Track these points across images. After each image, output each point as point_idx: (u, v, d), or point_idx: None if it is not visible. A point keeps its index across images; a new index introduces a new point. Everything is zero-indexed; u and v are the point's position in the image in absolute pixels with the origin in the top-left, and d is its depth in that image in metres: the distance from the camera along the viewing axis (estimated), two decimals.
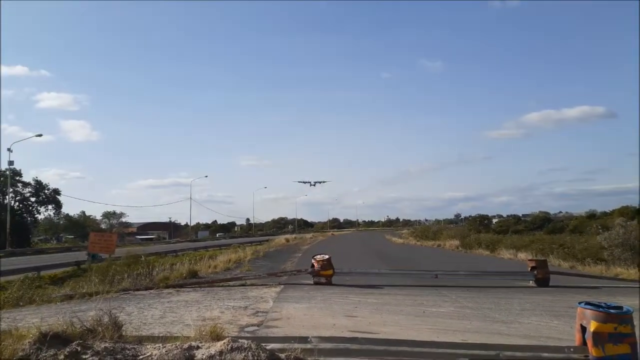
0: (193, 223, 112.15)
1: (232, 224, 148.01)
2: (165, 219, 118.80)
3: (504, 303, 11.15)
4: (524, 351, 5.59)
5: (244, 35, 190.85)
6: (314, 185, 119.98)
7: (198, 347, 4.91)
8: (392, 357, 5.76)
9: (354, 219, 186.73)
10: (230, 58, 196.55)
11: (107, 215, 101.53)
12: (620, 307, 5.27)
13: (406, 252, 35.60)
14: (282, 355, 4.93)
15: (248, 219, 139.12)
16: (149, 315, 9.60)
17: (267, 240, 53.10)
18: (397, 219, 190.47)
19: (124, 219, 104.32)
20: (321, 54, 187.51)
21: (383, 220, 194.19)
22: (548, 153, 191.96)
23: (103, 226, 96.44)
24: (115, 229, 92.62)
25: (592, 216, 76.04)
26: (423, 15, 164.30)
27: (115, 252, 20.27)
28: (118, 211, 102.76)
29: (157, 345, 5.12)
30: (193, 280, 15.69)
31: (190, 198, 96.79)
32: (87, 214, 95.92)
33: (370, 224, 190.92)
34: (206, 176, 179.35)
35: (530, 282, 14.59)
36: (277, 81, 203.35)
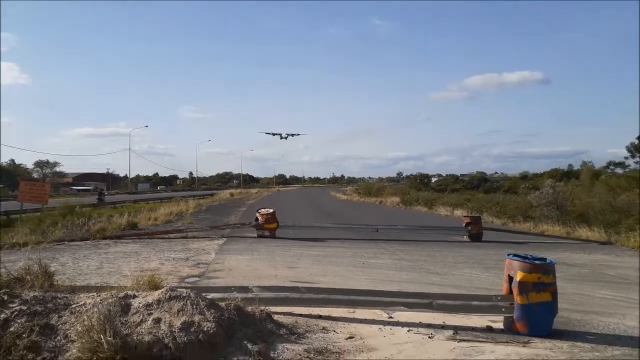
0: (133, 175, 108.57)
1: (175, 177, 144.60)
2: (103, 170, 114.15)
3: (439, 256, 11.68)
4: (455, 300, 5.89)
5: None
6: (286, 138, 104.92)
7: (134, 296, 4.80)
8: (332, 305, 5.91)
9: (300, 175, 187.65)
10: (178, 11, 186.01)
11: (40, 164, 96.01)
12: (544, 259, 5.62)
13: (349, 208, 36.31)
14: (222, 304, 4.92)
15: (191, 173, 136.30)
16: (85, 265, 9.30)
17: (211, 195, 52.35)
18: (342, 177, 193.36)
19: (58, 169, 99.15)
20: (268, 8, 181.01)
21: (329, 177, 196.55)
22: (488, 116, 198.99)
23: (35, 175, 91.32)
24: (49, 178, 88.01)
25: (524, 177, 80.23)
26: None
27: (48, 202, 19.28)
28: (52, 160, 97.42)
29: (91, 294, 4.96)
30: (132, 232, 15.30)
31: (130, 148, 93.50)
32: (17, 162, 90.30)
33: (316, 180, 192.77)
34: (146, 126, 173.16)
35: (465, 237, 15.32)
36: (224, 34, 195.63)
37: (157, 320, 4.42)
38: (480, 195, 39.77)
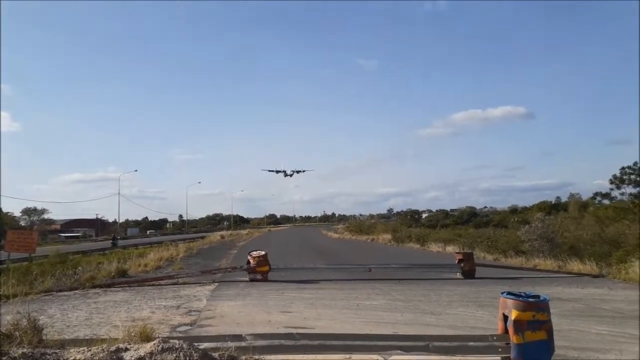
0: (122, 220, 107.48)
1: (164, 221, 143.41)
2: (91, 216, 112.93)
3: (433, 295, 11.60)
4: (452, 341, 5.84)
5: (177, 32, 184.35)
6: (291, 175, 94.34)
7: (126, 349, 4.72)
8: (327, 352, 5.83)
9: (291, 214, 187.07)
10: (161, 56, 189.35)
11: (27, 211, 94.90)
12: (538, 296, 5.63)
13: (341, 247, 36.13)
14: (216, 355, 4.84)
15: (181, 216, 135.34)
16: (74, 317, 9.10)
17: (201, 237, 51.89)
18: (333, 214, 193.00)
19: (46, 216, 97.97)
20: (253, 50, 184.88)
21: (320, 215, 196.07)
22: (474, 151, 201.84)
23: (22, 223, 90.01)
24: (36, 226, 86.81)
25: (514, 211, 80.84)
26: (359, 16, 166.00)
27: (36, 251, 18.98)
28: (39, 207, 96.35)
29: (81, 348, 4.85)
30: (122, 280, 15.04)
31: (119, 193, 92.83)
32: (5, 210, 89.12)
33: (307, 219, 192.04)
34: (136, 170, 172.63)
35: (458, 274, 15.28)
36: (211, 74, 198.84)
37: None
38: (471, 230, 39.96)
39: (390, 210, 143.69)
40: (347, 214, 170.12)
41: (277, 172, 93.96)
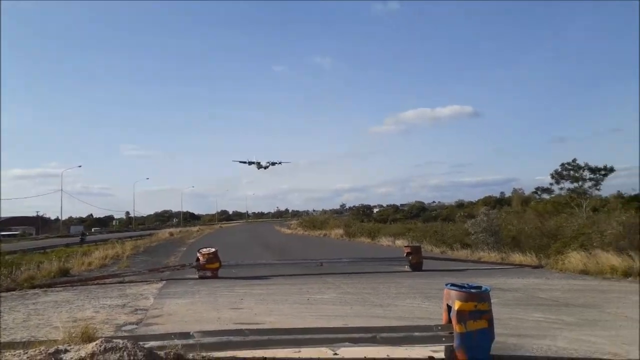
0: (65, 217, 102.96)
1: (110, 218, 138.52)
2: (32, 213, 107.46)
3: (382, 288, 11.84)
4: (398, 332, 5.98)
5: (126, 29, 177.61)
6: (266, 167, 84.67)
7: (66, 351, 4.54)
8: (277, 346, 5.83)
9: (243, 210, 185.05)
10: (118, 51, 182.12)
11: None
12: (480, 287, 5.85)
13: (294, 242, 36.15)
14: (162, 353, 4.74)
15: (128, 212, 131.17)
16: (10, 319, 8.65)
17: (149, 235, 50.48)
18: (287, 210, 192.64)
19: None
20: (208, 46, 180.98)
21: (273, 211, 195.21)
22: (424, 148, 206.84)
23: None
24: None
25: (460, 205, 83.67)
26: (314, 14, 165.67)
27: None
28: None
29: (17, 351, 4.63)
30: (64, 279, 14.42)
31: (62, 190, 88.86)
32: None
33: (260, 215, 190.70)
34: (79, 166, 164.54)
35: (406, 266, 15.65)
36: (164, 73, 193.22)
37: None
38: (420, 225, 40.95)
39: (343, 206, 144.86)
40: (301, 209, 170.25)
41: (250, 163, 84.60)
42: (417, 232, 31.17)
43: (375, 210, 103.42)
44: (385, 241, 30.32)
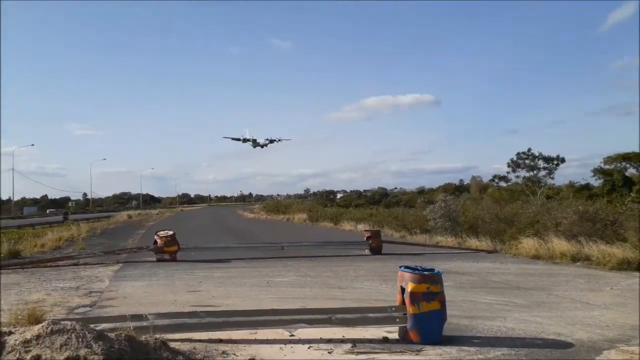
0: (17, 198, 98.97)
1: (66, 199, 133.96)
2: None
3: (341, 271, 11.97)
4: (354, 313, 6.06)
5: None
6: (262, 146, 74.80)
7: (10, 333, 4.37)
8: (233, 328, 5.81)
9: (205, 194, 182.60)
10: (69, 24, 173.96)
11: None
12: (432, 269, 5.99)
13: (256, 226, 36.04)
14: (112, 335, 4.63)
15: (85, 194, 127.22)
16: None
17: (107, 217, 49.19)
18: (250, 194, 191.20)
19: None
20: (164, 22, 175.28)
21: (236, 195, 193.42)
22: (386, 135, 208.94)
23: None
24: None
25: (421, 192, 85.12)
26: None
27: None
28: None
29: None
30: (14, 261, 13.89)
31: (13, 169, 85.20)
32: None
33: (223, 199, 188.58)
34: (32, 145, 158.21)
35: (366, 250, 15.86)
36: (118, 48, 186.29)
37: (37, 358, 4.06)
38: (382, 210, 41.47)
39: (307, 191, 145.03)
40: (265, 194, 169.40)
41: (245, 140, 74.04)
42: (378, 217, 31.55)
43: (338, 195, 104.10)
44: (347, 226, 30.62)
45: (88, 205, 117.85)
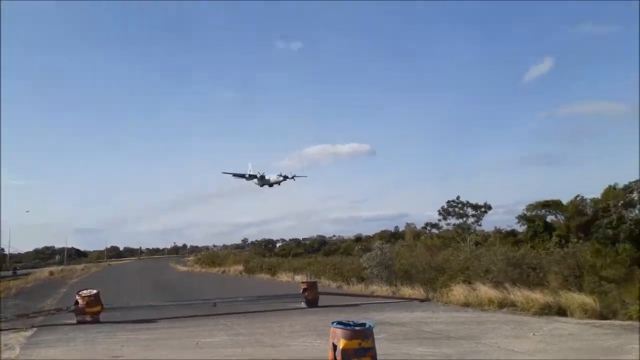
0: None
1: None
2: None
3: (276, 326, 11.65)
4: None
5: None
6: (273, 184, 59.45)
7: None
8: None
9: (136, 246, 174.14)
10: None
11: None
12: (364, 324, 5.98)
13: (189, 280, 34.66)
14: None
15: (2, 249, 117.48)
16: None
17: (25, 275, 45.52)
18: (185, 246, 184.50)
19: None
20: (102, 72, 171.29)
21: (169, 247, 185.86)
22: (325, 183, 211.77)
23: None
24: None
25: (358, 239, 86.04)
26: (219, 44, 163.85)
27: None
28: None
29: None
30: None
31: None
32: None
33: (155, 251, 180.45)
34: None
35: (302, 303, 15.61)
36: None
37: None
38: (320, 259, 41.35)
39: (245, 240, 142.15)
40: (200, 245, 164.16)
41: (250, 177, 58.94)
42: (316, 266, 31.34)
43: (278, 244, 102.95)
44: (284, 277, 30.17)
45: (4, 262, 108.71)
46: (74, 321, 13.06)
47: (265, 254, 67.34)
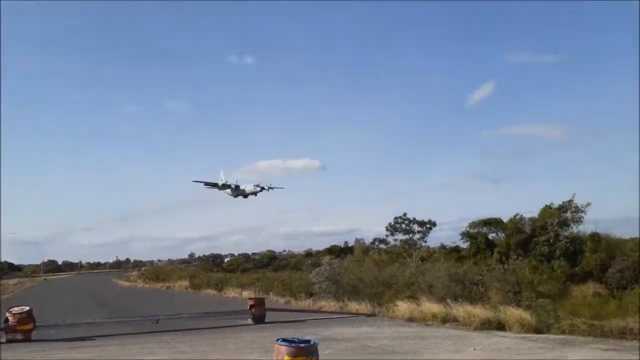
0: None
1: None
2: None
3: (220, 344, 11.41)
4: None
5: None
6: (248, 195, 52.97)
7: None
8: None
9: (76, 260, 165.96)
10: None
11: None
12: (308, 341, 5.97)
13: (131, 296, 33.40)
14: None
15: None
16: None
17: None
18: (128, 260, 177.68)
19: None
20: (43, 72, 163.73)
21: (112, 261, 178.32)
22: (277, 197, 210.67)
23: None
24: None
25: (309, 254, 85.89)
26: (171, 57, 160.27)
27: None
28: None
29: None
30: None
31: None
32: None
33: (97, 266, 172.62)
34: None
35: (249, 320, 15.40)
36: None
37: None
38: (269, 274, 40.96)
39: (192, 255, 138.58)
40: (145, 259, 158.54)
41: (224, 186, 52.14)
42: (265, 282, 31.03)
43: (226, 259, 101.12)
44: (232, 293, 29.68)
45: None
46: (4, 340, 12.27)
47: (212, 269, 65.91)
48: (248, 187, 52.99)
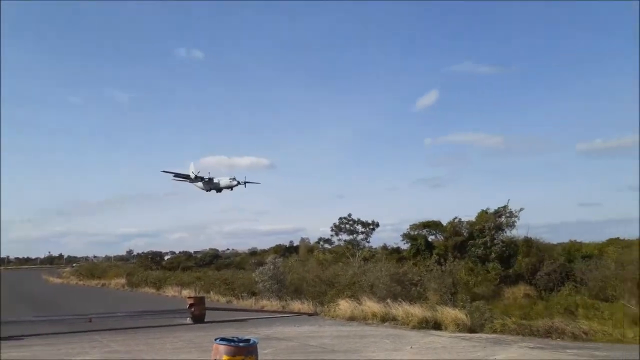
0: None
1: None
2: None
3: (157, 343, 11.10)
4: None
5: None
6: (222, 189, 49.89)
7: None
8: None
9: (2, 255, 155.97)
10: None
11: None
12: (248, 340, 5.91)
13: (63, 294, 31.83)
14: None
15: None
16: None
17: None
18: (61, 256, 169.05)
19: None
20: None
21: (42, 257, 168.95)
22: (221, 195, 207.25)
23: None
24: None
25: (253, 253, 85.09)
26: (117, 48, 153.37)
27: None
28: None
29: None
30: None
31: None
32: None
33: (26, 261, 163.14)
34: None
35: (188, 319, 15.05)
36: None
37: None
38: (211, 273, 40.21)
39: (130, 252, 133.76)
40: (79, 255, 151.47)
41: (197, 178, 48.69)
42: (206, 281, 30.46)
43: (166, 257, 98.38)
44: (171, 291, 28.92)
45: None
46: None
47: (151, 266, 63.98)
48: (223, 181, 49.96)
